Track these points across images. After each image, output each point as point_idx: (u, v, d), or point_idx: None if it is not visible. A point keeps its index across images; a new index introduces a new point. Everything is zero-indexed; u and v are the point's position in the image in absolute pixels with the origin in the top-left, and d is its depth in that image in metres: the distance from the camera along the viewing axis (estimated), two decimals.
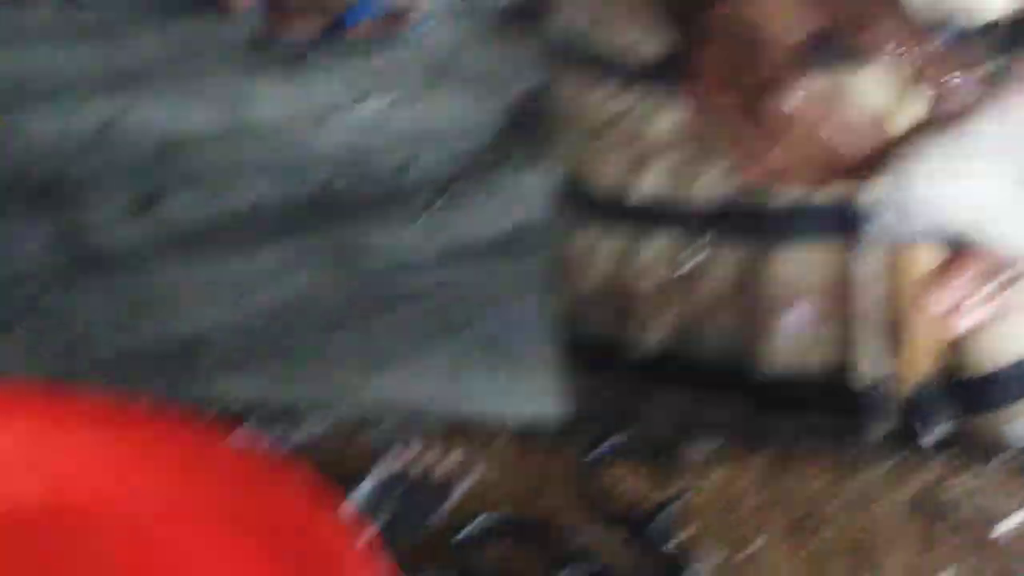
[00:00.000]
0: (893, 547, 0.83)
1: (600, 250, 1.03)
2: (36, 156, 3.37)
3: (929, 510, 0.85)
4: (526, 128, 3.20)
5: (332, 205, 3.16)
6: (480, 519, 0.84)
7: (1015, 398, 1.00)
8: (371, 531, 0.74)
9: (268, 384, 2.65)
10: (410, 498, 0.86)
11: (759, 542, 0.84)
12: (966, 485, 0.87)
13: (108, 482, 0.73)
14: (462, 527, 0.83)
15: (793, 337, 0.99)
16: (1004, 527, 0.84)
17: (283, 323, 2.82)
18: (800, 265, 0.97)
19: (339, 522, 0.68)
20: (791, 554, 0.83)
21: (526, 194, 3.05)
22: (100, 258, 3.04)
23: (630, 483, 0.87)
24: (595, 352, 1.09)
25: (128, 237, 3.09)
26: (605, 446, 0.88)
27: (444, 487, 0.88)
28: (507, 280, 2.91)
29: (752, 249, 0.98)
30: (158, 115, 3.58)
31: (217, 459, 0.74)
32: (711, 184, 0.97)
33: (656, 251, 1.01)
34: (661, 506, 0.84)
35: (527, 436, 0.92)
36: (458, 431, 0.92)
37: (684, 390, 1.04)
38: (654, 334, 1.03)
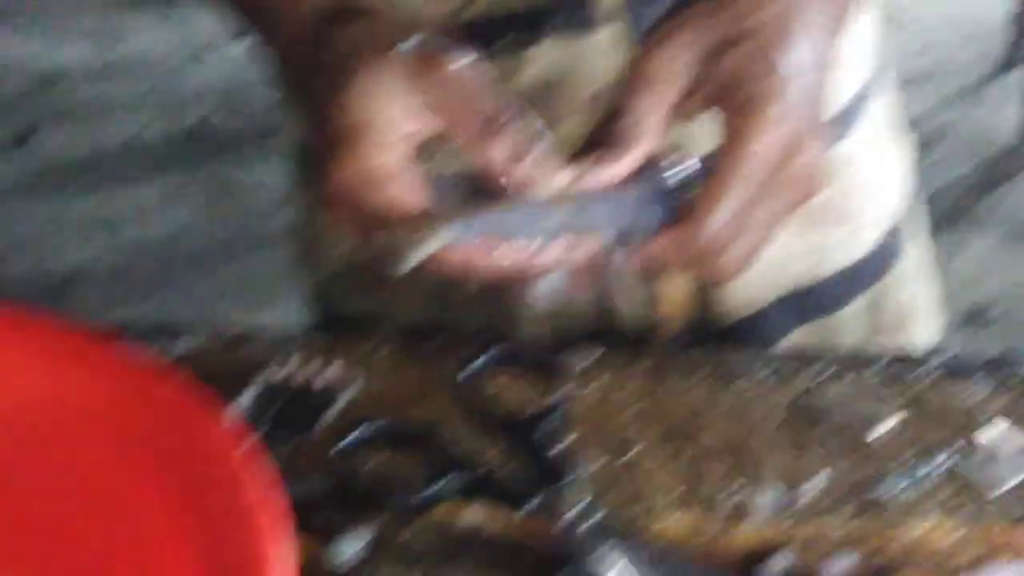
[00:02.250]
0: (770, 451, 0.84)
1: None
2: None
3: (805, 415, 0.87)
4: None
5: (209, 141, 3.13)
6: (361, 428, 0.83)
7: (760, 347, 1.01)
8: (253, 439, 0.74)
9: (144, 316, 2.62)
10: (291, 408, 0.85)
11: (639, 448, 0.85)
12: (841, 392, 0.88)
13: None
14: (344, 437, 0.82)
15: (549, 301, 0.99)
16: (877, 431, 0.85)
17: (160, 258, 2.79)
18: None
19: (223, 428, 0.67)
20: (670, 459, 0.84)
21: None
22: None
23: (511, 392, 0.87)
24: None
25: (4, 172, 3.03)
26: (485, 356, 0.88)
27: (325, 397, 0.88)
28: None
29: None
30: (31, 50, 3.51)
31: (99, 366, 0.73)
32: None
33: None
34: (542, 414, 0.84)
35: (408, 347, 0.92)
36: (338, 345, 0.92)
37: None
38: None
